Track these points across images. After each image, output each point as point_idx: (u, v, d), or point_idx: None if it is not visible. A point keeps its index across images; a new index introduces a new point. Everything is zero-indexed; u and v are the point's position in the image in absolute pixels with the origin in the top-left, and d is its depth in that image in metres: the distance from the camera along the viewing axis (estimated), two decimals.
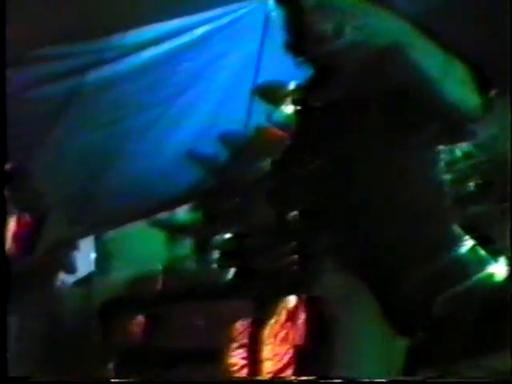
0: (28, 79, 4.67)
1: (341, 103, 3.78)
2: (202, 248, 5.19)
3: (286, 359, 3.78)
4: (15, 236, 4.56)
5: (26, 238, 4.48)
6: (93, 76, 4.93)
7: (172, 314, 4.80)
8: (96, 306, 5.66)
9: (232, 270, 4.46)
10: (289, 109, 4.40)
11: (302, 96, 4.13)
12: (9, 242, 4.62)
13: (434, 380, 3.85)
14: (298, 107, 4.15)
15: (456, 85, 3.85)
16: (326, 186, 3.90)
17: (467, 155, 3.81)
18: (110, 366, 4.96)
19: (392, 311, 3.71)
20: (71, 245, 4.91)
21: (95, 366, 5.24)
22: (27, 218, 4.55)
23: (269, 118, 4.72)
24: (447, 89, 3.82)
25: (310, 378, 3.62)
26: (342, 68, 3.88)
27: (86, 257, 6.42)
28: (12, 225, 4.62)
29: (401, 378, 3.75)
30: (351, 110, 3.89)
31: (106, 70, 4.97)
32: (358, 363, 3.64)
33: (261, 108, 4.90)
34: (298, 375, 3.72)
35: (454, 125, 3.81)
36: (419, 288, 3.69)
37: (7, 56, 4.54)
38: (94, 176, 5.59)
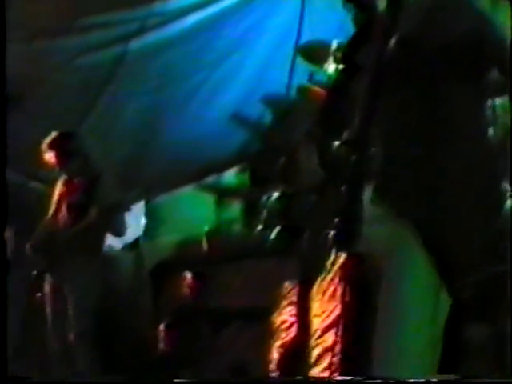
0: (75, 48, 4.73)
1: (391, 59, 3.69)
2: (250, 210, 5.25)
3: (333, 316, 3.81)
4: (64, 200, 4.63)
5: (77, 201, 4.54)
6: (137, 43, 4.97)
7: (221, 274, 4.88)
8: (146, 269, 5.81)
9: (279, 230, 4.51)
10: (332, 68, 4.38)
11: (346, 54, 4.08)
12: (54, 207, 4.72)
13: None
14: (343, 66, 4.10)
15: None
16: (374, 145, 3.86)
17: None
18: (162, 327, 5.10)
19: (442, 267, 3.70)
20: (122, 209, 5.03)
21: (147, 327, 5.40)
22: (78, 181, 4.62)
23: (311, 78, 4.72)
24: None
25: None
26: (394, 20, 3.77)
27: (136, 221, 6.56)
28: (61, 188, 4.70)
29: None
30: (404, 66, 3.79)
31: (150, 38, 5.00)
32: (403, 316, 3.65)
33: (303, 69, 4.90)
34: (347, 331, 3.75)
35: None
36: (470, 246, 3.65)
37: (55, 26, 4.63)
38: (143, 141, 5.69)
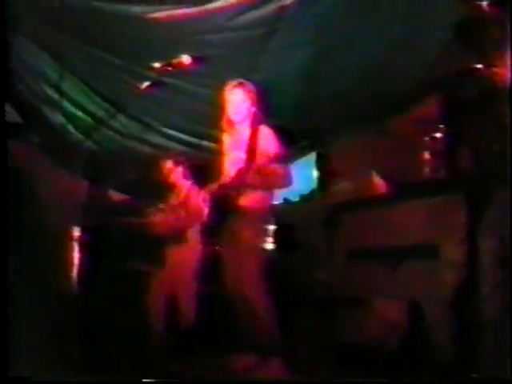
0: (231, 9, 4.88)
1: None
2: None
3: None
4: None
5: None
6: None
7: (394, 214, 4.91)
8: (321, 218, 5.98)
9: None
10: None
11: None
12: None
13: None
14: None
15: None
16: None
17: None
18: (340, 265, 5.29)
19: None
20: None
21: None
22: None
23: None
24: None
25: None
26: None
27: (307, 173, 6.76)
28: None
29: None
30: None
31: None
32: None
33: None
34: None
35: None
36: None
37: None
38: (307, 93, 5.78)
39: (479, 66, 3.82)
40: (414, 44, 4.99)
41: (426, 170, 4.83)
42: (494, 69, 3.76)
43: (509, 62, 3.74)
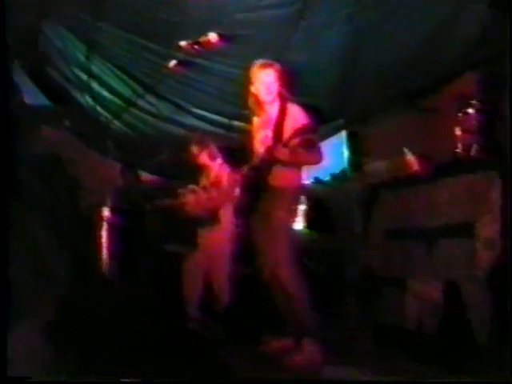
0: None
1: None
2: None
3: None
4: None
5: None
6: None
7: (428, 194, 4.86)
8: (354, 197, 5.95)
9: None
10: None
11: None
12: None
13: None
14: None
15: None
16: None
17: None
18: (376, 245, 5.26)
19: None
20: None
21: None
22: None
23: None
24: None
25: None
26: None
27: (339, 152, 6.72)
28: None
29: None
30: None
31: None
32: None
33: None
34: None
35: None
36: None
37: None
38: (341, 72, 5.72)
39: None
40: (452, 20, 4.88)
41: (460, 147, 4.75)
42: None
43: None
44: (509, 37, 3.77)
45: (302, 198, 5.73)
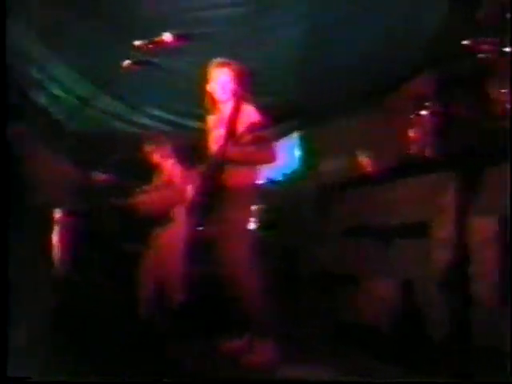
0: None
1: None
2: None
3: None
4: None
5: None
6: None
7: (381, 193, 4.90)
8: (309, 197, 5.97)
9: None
10: None
11: None
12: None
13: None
14: None
15: None
16: None
17: None
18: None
19: None
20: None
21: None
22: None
23: None
24: None
25: None
26: None
27: (291, 152, 6.72)
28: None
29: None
30: None
31: None
32: None
33: None
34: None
35: None
36: None
37: None
38: (299, 73, 5.74)
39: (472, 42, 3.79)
40: (411, 19, 4.93)
41: (414, 148, 4.79)
42: (487, 46, 3.74)
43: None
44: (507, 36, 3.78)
45: (257, 198, 5.71)
